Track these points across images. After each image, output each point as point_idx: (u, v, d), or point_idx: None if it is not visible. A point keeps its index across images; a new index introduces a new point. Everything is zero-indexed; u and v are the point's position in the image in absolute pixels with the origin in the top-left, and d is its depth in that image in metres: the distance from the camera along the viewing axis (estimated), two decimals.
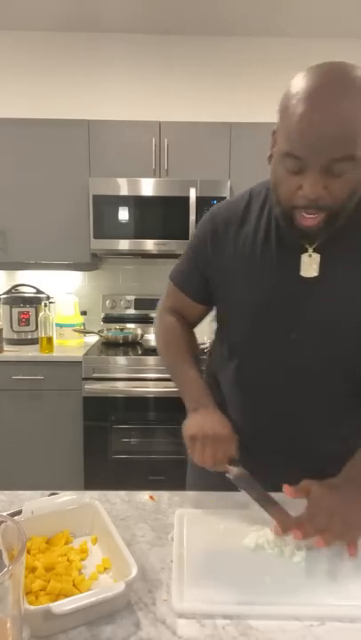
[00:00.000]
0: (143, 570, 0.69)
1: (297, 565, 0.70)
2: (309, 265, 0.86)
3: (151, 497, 0.90)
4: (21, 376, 2.43)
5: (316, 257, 0.86)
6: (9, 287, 2.82)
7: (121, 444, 2.42)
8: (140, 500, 0.89)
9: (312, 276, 0.86)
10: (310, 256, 0.86)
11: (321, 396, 0.93)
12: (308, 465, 0.89)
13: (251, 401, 0.98)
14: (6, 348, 2.56)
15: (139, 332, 2.79)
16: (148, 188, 2.49)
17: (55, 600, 0.58)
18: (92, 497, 0.80)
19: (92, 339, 2.85)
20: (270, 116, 3.11)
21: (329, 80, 0.71)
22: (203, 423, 0.85)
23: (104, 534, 0.73)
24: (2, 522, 0.52)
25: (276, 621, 0.60)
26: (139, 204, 2.50)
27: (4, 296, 2.70)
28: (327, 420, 0.94)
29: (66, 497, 0.79)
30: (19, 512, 0.75)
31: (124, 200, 2.50)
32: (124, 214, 2.51)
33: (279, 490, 0.79)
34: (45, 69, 2.85)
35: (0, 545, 0.51)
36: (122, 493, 0.91)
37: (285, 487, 0.77)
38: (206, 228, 0.98)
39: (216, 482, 0.89)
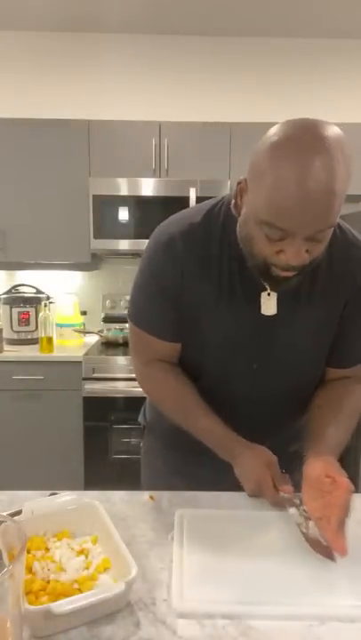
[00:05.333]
0: (143, 570, 0.69)
1: (297, 565, 0.70)
2: (269, 304, 0.89)
3: (151, 497, 0.90)
4: (21, 376, 2.43)
5: (274, 296, 0.89)
6: (9, 287, 2.83)
7: (121, 444, 2.42)
8: (140, 500, 0.89)
9: (271, 313, 0.89)
10: (269, 294, 0.89)
11: (277, 417, 1.01)
12: None
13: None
14: (6, 348, 2.56)
15: None
16: (148, 188, 2.49)
17: (55, 600, 0.58)
18: (92, 497, 0.80)
19: (92, 339, 2.84)
20: (270, 116, 3.10)
21: (312, 155, 0.68)
22: (254, 468, 0.86)
23: (104, 534, 0.73)
24: (2, 522, 0.52)
25: (276, 621, 0.60)
26: (139, 204, 2.50)
27: (4, 296, 2.70)
28: (280, 437, 1.02)
29: (66, 497, 0.79)
30: (19, 512, 0.75)
31: (124, 200, 2.50)
32: (124, 214, 2.51)
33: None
34: (45, 69, 2.84)
35: (0, 545, 0.51)
36: (122, 493, 0.91)
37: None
38: (166, 259, 0.93)
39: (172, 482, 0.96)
